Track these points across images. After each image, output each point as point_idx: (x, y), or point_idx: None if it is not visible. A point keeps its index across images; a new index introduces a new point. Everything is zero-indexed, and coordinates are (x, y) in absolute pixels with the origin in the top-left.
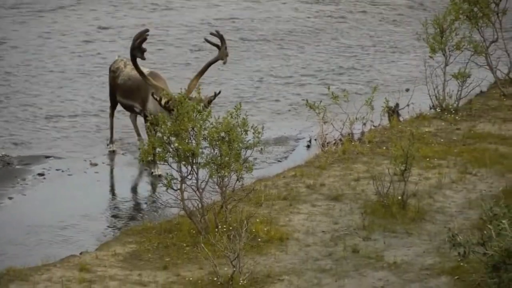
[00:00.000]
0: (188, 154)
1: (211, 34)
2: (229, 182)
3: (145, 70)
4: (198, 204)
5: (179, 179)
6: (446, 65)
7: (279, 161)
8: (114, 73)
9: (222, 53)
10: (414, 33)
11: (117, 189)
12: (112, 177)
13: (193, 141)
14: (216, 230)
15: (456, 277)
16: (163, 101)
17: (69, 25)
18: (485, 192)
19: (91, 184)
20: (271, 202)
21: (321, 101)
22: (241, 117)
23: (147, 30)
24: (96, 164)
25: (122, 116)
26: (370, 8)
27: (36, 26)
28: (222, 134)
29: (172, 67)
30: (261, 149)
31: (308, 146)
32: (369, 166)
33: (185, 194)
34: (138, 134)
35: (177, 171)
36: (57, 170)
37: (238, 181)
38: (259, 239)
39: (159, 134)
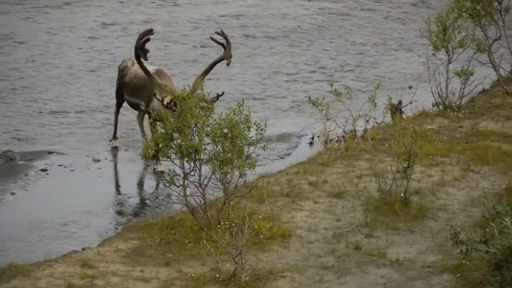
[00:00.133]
0: (191, 151)
1: (216, 33)
2: (232, 179)
3: (152, 68)
4: (200, 201)
5: (182, 175)
6: (449, 62)
7: (281, 157)
8: (122, 72)
9: (226, 54)
10: (418, 30)
11: (119, 185)
12: (114, 173)
13: (196, 138)
14: (219, 226)
15: (458, 275)
16: (165, 102)
17: (76, 21)
18: (488, 190)
19: (94, 180)
20: (274, 198)
21: (323, 98)
22: (244, 113)
23: (151, 30)
24: (98, 160)
25: (126, 112)
26: (375, 6)
27: (42, 21)
28: (225, 130)
29: (178, 63)
30: (264, 145)
31: (311, 143)
32: (372, 163)
33: (188, 191)
34: (142, 131)
35: (179, 167)
36: (59, 166)
37: (240, 178)
38: (262, 236)
39: (162, 130)
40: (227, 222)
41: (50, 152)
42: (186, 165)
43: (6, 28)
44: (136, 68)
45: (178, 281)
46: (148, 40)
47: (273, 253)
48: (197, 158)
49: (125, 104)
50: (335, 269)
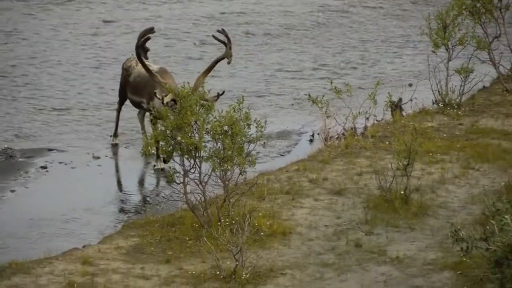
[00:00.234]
0: (191, 148)
1: (218, 31)
2: (232, 176)
3: (155, 67)
4: (201, 198)
5: (182, 172)
6: (449, 60)
7: (282, 155)
8: (126, 71)
9: (227, 53)
10: (418, 28)
11: (120, 182)
12: (115, 171)
13: (196, 135)
14: (219, 224)
15: (458, 272)
16: (165, 101)
17: (79, 18)
18: (488, 187)
19: (94, 177)
20: (274, 196)
21: (323, 95)
22: (244, 111)
23: (152, 29)
24: (99, 157)
25: (127, 109)
26: (376, 3)
27: (45, 18)
28: (225, 128)
29: (180, 61)
30: (264, 143)
31: (311, 141)
32: (372, 160)
33: (188, 188)
34: (143, 129)
35: (180, 164)
36: (60, 163)
37: (241, 175)
38: (262, 233)
39: (162, 128)
40: (227, 220)
41: (50, 149)
42: (186, 163)
43: (9, 25)
44: (140, 68)
45: (178, 279)
46: (148, 38)
47: (274, 250)
48: (197, 155)
49: (126, 102)
50: (335, 267)
